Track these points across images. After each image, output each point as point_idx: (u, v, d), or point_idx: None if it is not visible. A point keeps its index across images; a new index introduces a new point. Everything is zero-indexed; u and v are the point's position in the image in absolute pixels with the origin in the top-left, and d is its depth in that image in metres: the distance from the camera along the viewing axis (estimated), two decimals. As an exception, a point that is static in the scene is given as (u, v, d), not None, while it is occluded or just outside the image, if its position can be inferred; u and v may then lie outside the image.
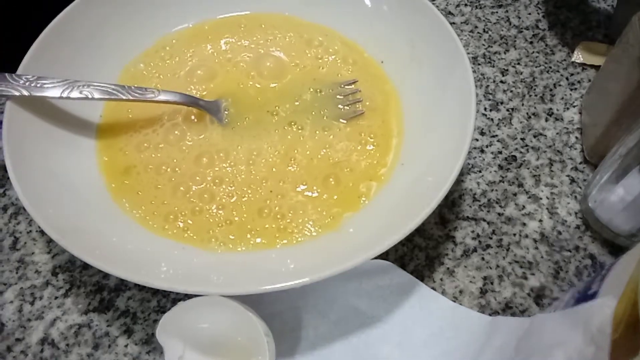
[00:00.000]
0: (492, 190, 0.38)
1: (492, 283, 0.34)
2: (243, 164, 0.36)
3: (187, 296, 0.31)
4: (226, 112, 0.38)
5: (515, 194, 0.38)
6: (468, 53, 0.45)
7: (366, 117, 0.38)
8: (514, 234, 0.36)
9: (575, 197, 0.38)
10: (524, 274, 0.34)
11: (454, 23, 0.48)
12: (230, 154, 0.37)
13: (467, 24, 0.48)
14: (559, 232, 0.36)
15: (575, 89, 0.44)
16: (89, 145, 0.37)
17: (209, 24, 0.44)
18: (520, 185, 0.38)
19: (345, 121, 0.38)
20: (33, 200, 0.30)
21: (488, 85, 0.44)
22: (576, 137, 0.41)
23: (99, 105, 0.39)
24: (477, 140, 0.41)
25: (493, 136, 0.41)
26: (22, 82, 0.33)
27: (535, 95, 0.43)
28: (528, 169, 0.39)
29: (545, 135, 0.41)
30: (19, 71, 0.35)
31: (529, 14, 0.49)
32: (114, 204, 0.34)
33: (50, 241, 0.35)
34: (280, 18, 0.44)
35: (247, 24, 0.44)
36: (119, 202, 0.34)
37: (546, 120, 0.42)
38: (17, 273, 0.34)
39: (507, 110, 0.42)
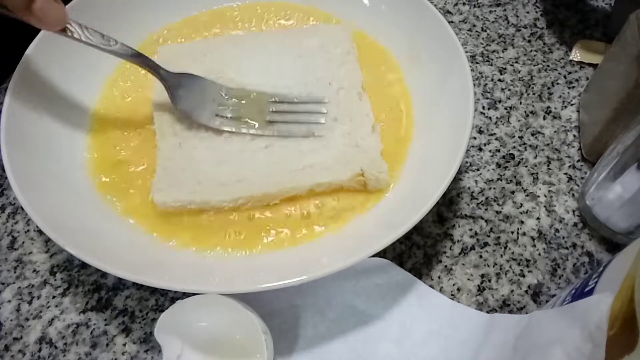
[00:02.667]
0: (490, 188, 0.38)
1: (489, 280, 0.34)
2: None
3: (186, 295, 0.31)
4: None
5: (513, 192, 0.38)
6: (466, 52, 0.45)
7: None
8: (512, 232, 0.36)
9: (573, 195, 0.38)
10: (521, 272, 0.34)
11: (452, 22, 0.48)
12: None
13: (466, 23, 0.48)
14: (557, 230, 0.36)
15: (573, 87, 0.44)
16: (88, 145, 0.37)
17: (206, 15, 0.44)
18: (518, 183, 0.38)
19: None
20: (31, 200, 0.30)
21: (486, 84, 0.44)
22: (574, 135, 0.41)
23: (95, 102, 0.39)
24: (475, 138, 0.41)
25: (491, 134, 0.41)
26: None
27: (533, 94, 0.43)
28: (526, 167, 0.39)
29: (543, 134, 0.41)
30: (15, 74, 0.35)
31: (527, 12, 0.49)
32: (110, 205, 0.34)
33: (48, 240, 0.35)
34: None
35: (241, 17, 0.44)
36: (109, 203, 0.34)
37: (544, 118, 0.42)
38: (15, 272, 0.34)
39: (505, 108, 0.42)
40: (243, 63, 0.39)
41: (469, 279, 0.34)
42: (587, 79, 0.44)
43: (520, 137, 0.41)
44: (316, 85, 0.38)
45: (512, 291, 0.34)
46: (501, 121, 0.42)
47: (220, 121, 0.36)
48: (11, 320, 0.32)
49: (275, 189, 0.33)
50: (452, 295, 0.33)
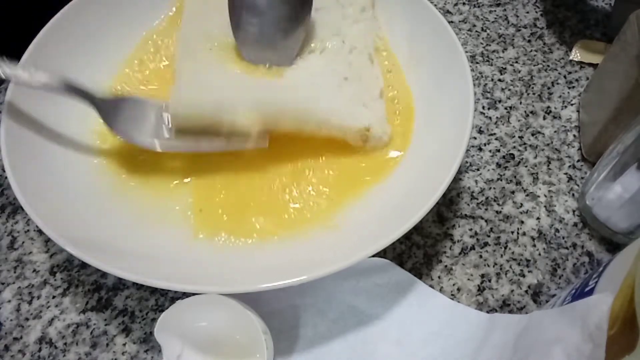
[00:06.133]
0: (490, 188, 0.38)
1: (489, 280, 0.34)
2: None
3: (185, 295, 0.31)
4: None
5: (513, 192, 0.38)
6: (466, 52, 0.45)
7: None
8: (512, 232, 0.36)
9: (573, 194, 0.38)
10: (521, 272, 0.34)
11: (452, 22, 0.48)
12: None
13: (466, 23, 0.48)
14: (557, 230, 0.36)
15: (573, 87, 0.44)
16: (88, 144, 0.37)
17: None
18: (518, 183, 0.38)
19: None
20: (31, 200, 0.30)
21: (486, 84, 0.44)
22: (574, 135, 0.41)
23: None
24: (475, 138, 0.41)
25: (491, 134, 0.41)
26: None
27: (533, 94, 0.43)
28: (526, 167, 0.39)
29: (543, 134, 0.41)
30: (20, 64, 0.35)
31: (527, 12, 0.49)
32: (112, 203, 0.34)
33: (48, 240, 0.35)
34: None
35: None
36: (116, 201, 0.34)
37: (544, 118, 0.42)
38: (15, 272, 0.34)
39: (505, 108, 0.42)
40: None
41: (469, 279, 0.34)
42: (587, 79, 0.44)
43: (520, 137, 0.41)
44: (330, 41, 0.38)
45: (512, 291, 0.34)
46: (501, 121, 0.42)
47: (159, 142, 0.34)
48: (11, 320, 0.32)
49: (285, 113, 0.33)
50: (452, 295, 0.33)
